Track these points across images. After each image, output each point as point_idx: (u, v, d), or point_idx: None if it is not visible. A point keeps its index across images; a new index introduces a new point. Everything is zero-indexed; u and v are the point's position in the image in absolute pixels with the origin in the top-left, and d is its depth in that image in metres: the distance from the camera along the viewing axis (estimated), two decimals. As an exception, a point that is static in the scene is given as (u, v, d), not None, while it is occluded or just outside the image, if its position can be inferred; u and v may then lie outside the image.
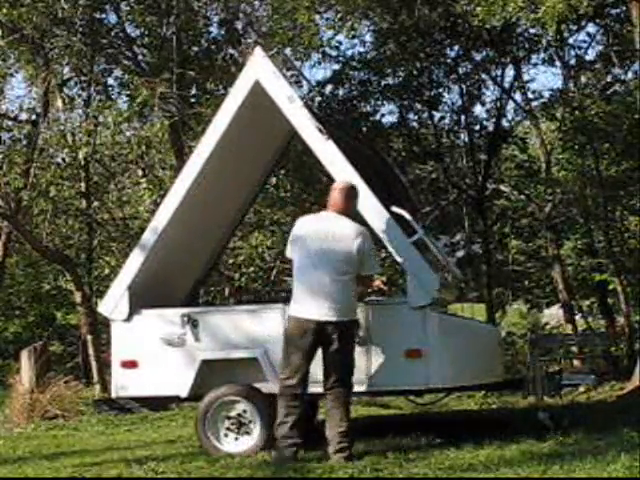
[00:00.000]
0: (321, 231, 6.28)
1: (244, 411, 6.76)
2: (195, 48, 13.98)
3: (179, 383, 6.92)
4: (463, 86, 14.90)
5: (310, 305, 6.16)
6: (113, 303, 7.21)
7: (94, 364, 13.58)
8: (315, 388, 6.40)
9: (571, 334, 14.17)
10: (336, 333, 6.21)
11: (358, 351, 6.58)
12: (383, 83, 14.24)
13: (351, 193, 6.43)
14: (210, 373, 6.89)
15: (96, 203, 16.16)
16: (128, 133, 14.99)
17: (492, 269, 15.85)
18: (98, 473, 6.40)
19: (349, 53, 14.42)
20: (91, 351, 13.79)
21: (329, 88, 14.38)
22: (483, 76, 15.03)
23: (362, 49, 14.40)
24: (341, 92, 14.24)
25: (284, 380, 6.24)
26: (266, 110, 7.11)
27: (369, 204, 6.81)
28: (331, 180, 6.95)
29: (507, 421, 8.22)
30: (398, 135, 15.09)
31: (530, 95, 15.54)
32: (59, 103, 14.82)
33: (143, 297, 7.20)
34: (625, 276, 14.51)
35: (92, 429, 9.60)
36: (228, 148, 7.19)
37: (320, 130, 6.94)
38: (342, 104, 13.98)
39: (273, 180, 13.25)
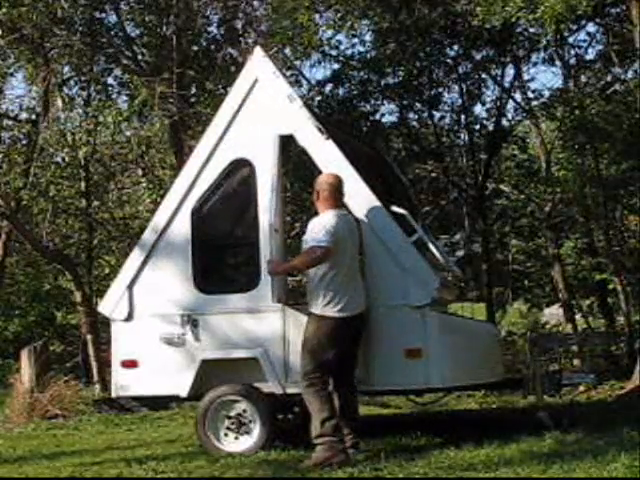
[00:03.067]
0: (350, 229, 6.44)
1: (244, 411, 6.77)
2: (195, 47, 13.96)
3: (179, 383, 6.93)
4: (463, 85, 14.87)
5: (349, 302, 6.27)
6: (113, 303, 7.23)
7: (94, 364, 13.57)
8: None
9: (571, 333, 14.17)
10: (361, 325, 6.40)
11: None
12: (383, 82, 14.21)
13: (343, 186, 6.56)
14: (210, 373, 6.90)
15: (96, 202, 16.16)
16: (128, 133, 14.99)
17: (492, 268, 15.83)
18: (98, 472, 6.42)
19: (349, 52, 14.41)
20: (91, 351, 13.79)
21: (329, 87, 14.37)
22: (483, 75, 14.99)
23: (362, 49, 14.38)
24: (341, 92, 14.21)
25: (316, 378, 6.19)
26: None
27: (369, 203, 6.83)
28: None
29: (507, 420, 8.23)
30: (398, 135, 15.08)
31: (530, 94, 15.51)
32: (59, 102, 14.81)
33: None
34: (625, 275, 14.49)
35: (92, 428, 9.60)
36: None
37: (320, 130, 6.96)
38: (342, 104, 13.96)
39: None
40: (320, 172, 6.97)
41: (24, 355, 11.03)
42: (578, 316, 15.90)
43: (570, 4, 9.45)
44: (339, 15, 12.95)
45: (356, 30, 13.45)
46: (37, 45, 13.18)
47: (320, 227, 6.30)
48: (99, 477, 6.30)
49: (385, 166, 8.71)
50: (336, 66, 14.47)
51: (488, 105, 15.30)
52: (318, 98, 14.21)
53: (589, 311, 16.48)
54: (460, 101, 15.00)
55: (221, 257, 7.22)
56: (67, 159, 15.12)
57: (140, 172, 16.09)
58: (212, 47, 13.88)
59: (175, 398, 7.55)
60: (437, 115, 15.26)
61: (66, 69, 14.74)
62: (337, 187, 6.48)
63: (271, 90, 7.11)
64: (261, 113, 7.11)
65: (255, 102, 7.12)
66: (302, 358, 6.31)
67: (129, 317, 7.17)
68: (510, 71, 15.29)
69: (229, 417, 6.80)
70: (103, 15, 13.70)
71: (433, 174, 16.01)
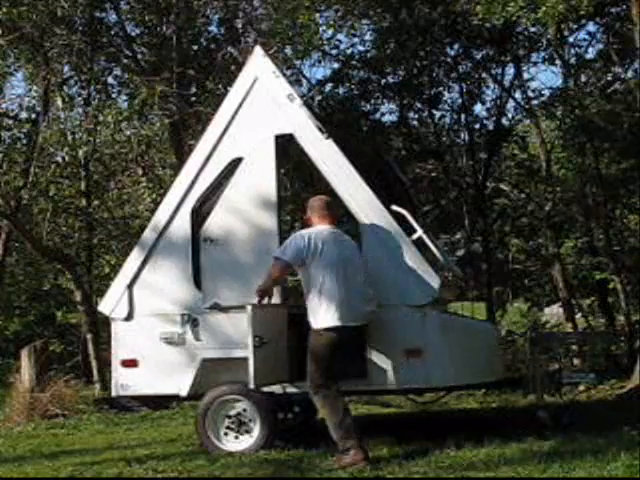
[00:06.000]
0: (342, 243, 6.45)
1: (244, 410, 6.78)
2: (195, 47, 13.96)
3: (179, 382, 6.93)
4: (463, 85, 14.85)
5: (347, 311, 6.23)
6: (113, 302, 7.23)
7: (94, 363, 13.58)
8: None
9: (571, 332, 14.14)
10: (361, 335, 6.46)
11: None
12: (383, 82, 14.20)
13: (331, 206, 6.63)
14: (210, 372, 6.90)
15: (96, 202, 16.14)
16: (128, 132, 14.99)
17: (492, 268, 15.83)
18: (98, 472, 6.41)
19: (349, 52, 14.38)
20: (91, 350, 13.79)
21: (329, 87, 14.37)
22: (483, 75, 14.97)
23: (362, 48, 14.35)
24: (341, 91, 14.20)
25: (320, 385, 6.21)
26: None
27: (369, 203, 6.83)
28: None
29: (507, 420, 8.22)
30: (398, 134, 15.07)
31: (530, 94, 15.49)
32: (59, 102, 14.81)
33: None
34: (625, 275, 14.49)
35: (92, 428, 9.61)
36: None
37: (320, 129, 6.97)
38: (342, 103, 13.95)
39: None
40: (319, 172, 7.00)
41: (24, 354, 11.03)
42: (578, 315, 15.89)
43: (571, 4, 9.44)
44: (339, 14, 12.95)
45: (356, 29, 13.45)
46: (37, 45, 13.18)
47: (285, 242, 6.49)
48: (99, 477, 6.30)
49: (385, 166, 8.72)
50: (336, 65, 14.47)
51: (488, 104, 15.29)
52: (318, 97, 14.20)
53: (589, 310, 16.47)
54: (460, 100, 14.98)
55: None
56: (67, 158, 15.12)
57: (140, 171, 16.09)
58: (212, 46, 13.88)
59: (175, 397, 7.55)
60: (437, 114, 15.25)
61: (66, 68, 14.74)
62: (321, 207, 6.55)
63: (271, 89, 7.11)
64: (261, 112, 7.11)
65: (255, 101, 7.13)
66: (307, 367, 6.31)
67: (129, 316, 7.18)
68: (510, 70, 15.28)
69: (229, 416, 6.81)
70: (103, 14, 13.71)
71: (433, 173, 16.00)
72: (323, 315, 6.21)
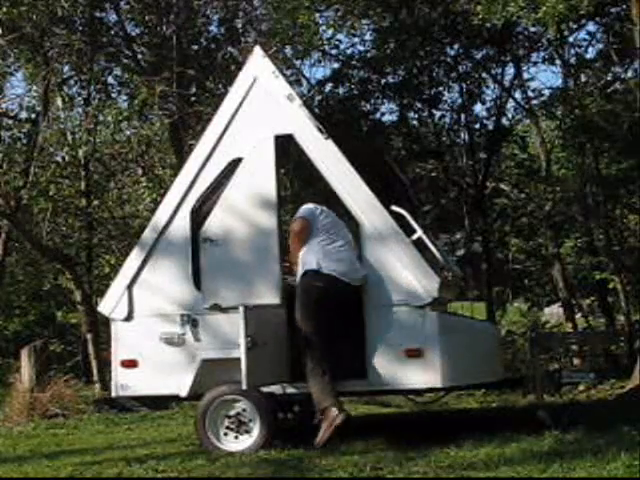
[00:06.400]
0: (339, 225, 7.02)
1: (244, 410, 6.78)
2: (195, 47, 13.96)
3: (179, 382, 6.93)
4: (463, 85, 14.85)
5: (335, 267, 6.68)
6: (113, 302, 7.23)
7: (94, 363, 13.58)
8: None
9: (571, 332, 14.13)
10: (348, 301, 6.74)
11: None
12: (383, 82, 14.19)
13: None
14: (210, 372, 6.90)
15: (96, 202, 16.13)
16: (128, 132, 14.99)
17: (492, 268, 15.82)
18: (98, 472, 6.41)
19: (349, 52, 14.39)
20: (91, 350, 13.79)
21: (329, 87, 14.36)
22: (483, 75, 14.96)
23: (362, 48, 14.36)
24: (341, 91, 14.20)
25: (311, 341, 6.53)
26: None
27: (369, 203, 6.84)
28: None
29: (507, 419, 8.22)
30: (398, 134, 15.06)
31: (530, 94, 15.49)
32: (59, 102, 14.81)
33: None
34: (625, 274, 14.48)
35: (92, 428, 9.60)
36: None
37: (320, 129, 6.97)
38: (342, 103, 13.95)
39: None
40: (319, 172, 7.00)
41: (24, 354, 11.03)
42: (578, 315, 15.88)
43: (572, 4, 9.44)
44: (339, 14, 12.95)
45: (356, 29, 13.45)
46: (37, 44, 13.18)
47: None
48: (99, 477, 6.30)
49: (385, 166, 8.75)
50: (336, 65, 14.47)
51: (488, 104, 15.29)
52: (318, 97, 14.19)
53: (589, 310, 16.47)
54: (460, 100, 14.98)
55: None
56: (67, 158, 15.12)
57: (140, 171, 16.08)
58: (212, 46, 13.88)
59: (175, 398, 7.55)
60: (437, 114, 15.25)
61: (66, 68, 14.74)
62: None
63: (270, 89, 7.12)
64: (260, 112, 7.12)
65: (254, 101, 7.14)
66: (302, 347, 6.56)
67: (129, 317, 7.18)
68: (510, 70, 15.27)
69: (229, 416, 6.81)
70: (103, 14, 13.71)
71: (433, 173, 16.00)
72: (307, 263, 6.67)
